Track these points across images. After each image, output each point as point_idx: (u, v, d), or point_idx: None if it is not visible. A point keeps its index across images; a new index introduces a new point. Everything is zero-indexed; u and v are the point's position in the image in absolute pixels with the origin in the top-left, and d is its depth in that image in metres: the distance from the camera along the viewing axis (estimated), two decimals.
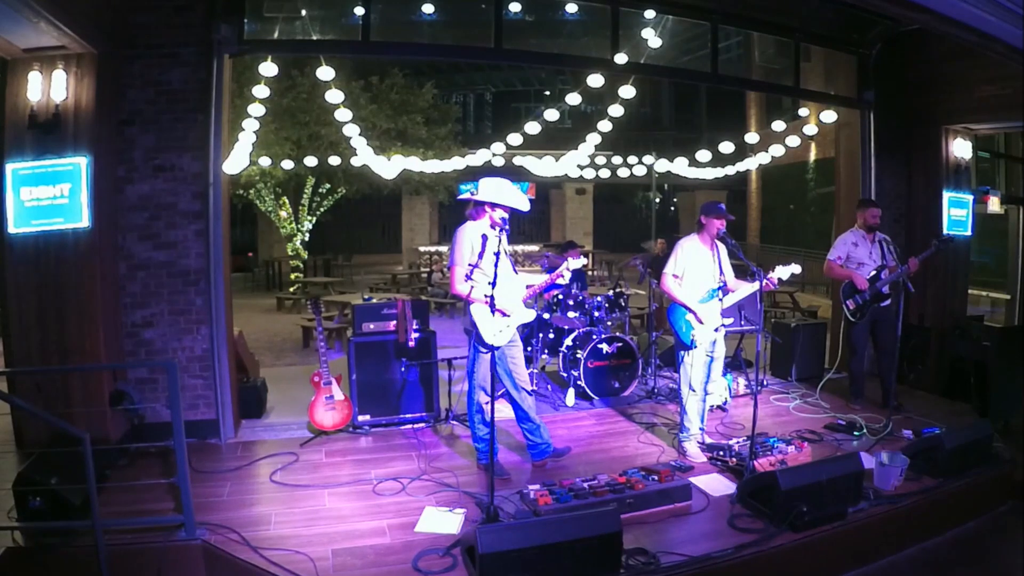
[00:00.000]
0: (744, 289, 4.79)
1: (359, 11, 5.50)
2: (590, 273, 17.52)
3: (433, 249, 20.21)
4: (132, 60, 4.98)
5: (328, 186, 14.94)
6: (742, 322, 5.66)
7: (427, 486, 4.32)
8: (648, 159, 12.53)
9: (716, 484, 4.30)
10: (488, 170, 7.61)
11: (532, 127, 7.72)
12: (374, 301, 5.80)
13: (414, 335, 5.42)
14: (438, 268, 16.60)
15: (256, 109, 6.37)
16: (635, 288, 10.10)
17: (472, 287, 4.34)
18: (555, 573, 3.12)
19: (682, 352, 4.84)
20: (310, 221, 15.07)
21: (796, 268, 4.69)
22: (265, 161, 11.93)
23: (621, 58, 6.13)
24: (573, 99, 7.42)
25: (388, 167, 10.12)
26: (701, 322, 4.69)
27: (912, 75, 7.02)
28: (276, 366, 8.10)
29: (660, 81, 20.37)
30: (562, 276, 4.57)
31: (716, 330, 4.79)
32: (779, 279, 4.63)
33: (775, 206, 19.72)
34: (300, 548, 3.46)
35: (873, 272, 5.75)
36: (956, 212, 6.95)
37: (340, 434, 5.29)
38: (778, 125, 8.75)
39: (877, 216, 5.86)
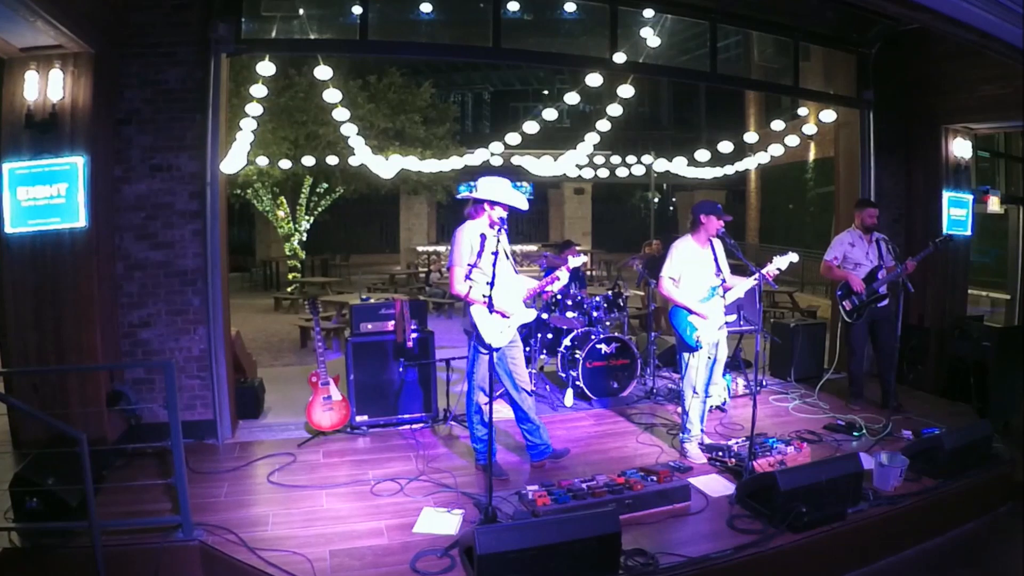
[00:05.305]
0: (744, 284, 4.75)
1: (357, 10, 5.48)
2: (589, 273, 17.51)
3: (431, 249, 20.19)
4: (129, 59, 4.96)
5: (326, 186, 14.92)
6: (741, 322, 5.64)
7: (425, 487, 4.30)
8: (647, 159, 12.54)
9: (715, 485, 4.29)
10: (487, 170, 7.60)
11: (531, 127, 7.72)
12: (372, 301, 5.79)
13: (412, 335, 5.41)
14: (436, 268, 16.59)
15: (254, 108, 6.34)
16: (633, 288, 10.09)
17: (471, 287, 4.32)
18: (553, 574, 3.11)
19: (684, 354, 4.82)
20: (308, 221, 15.05)
21: (793, 257, 4.65)
22: (263, 160, 11.92)
23: (620, 57, 6.12)
24: (572, 98, 7.42)
25: (386, 167, 10.12)
26: (705, 317, 4.66)
27: (912, 74, 7.01)
28: (274, 366, 8.08)
29: (659, 80, 20.37)
30: (558, 279, 4.54)
31: (719, 328, 4.77)
32: (778, 269, 4.60)
33: (774, 206, 19.71)
34: (298, 549, 3.45)
35: (869, 273, 5.75)
36: (956, 212, 6.94)
37: (338, 434, 5.27)
38: (777, 124, 8.74)
39: (874, 216, 5.85)
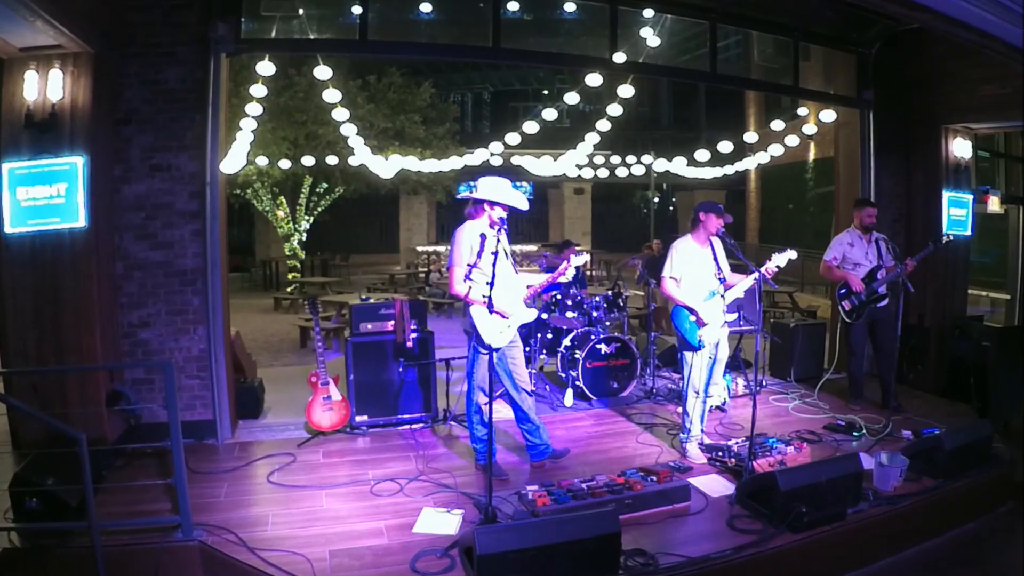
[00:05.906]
0: (744, 282, 4.73)
1: (357, 10, 5.48)
2: (589, 273, 17.50)
3: (431, 249, 20.19)
4: (129, 59, 4.96)
5: (325, 186, 14.92)
6: (741, 322, 5.65)
7: (425, 487, 4.30)
8: (647, 159, 12.55)
9: (715, 485, 4.29)
10: (486, 170, 7.62)
11: (530, 126, 7.72)
12: (372, 301, 5.78)
13: (412, 335, 5.41)
14: (436, 268, 16.58)
15: (253, 108, 6.34)
16: (633, 288, 10.09)
17: (471, 287, 4.32)
18: (553, 574, 3.11)
19: (686, 353, 4.82)
20: (307, 221, 15.05)
21: (792, 253, 4.63)
22: (262, 160, 11.91)
23: (620, 57, 6.11)
24: (571, 98, 7.43)
25: (386, 167, 10.13)
26: (705, 323, 4.66)
27: (912, 74, 7.01)
28: (273, 366, 8.08)
29: (659, 80, 20.37)
30: (563, 275, 4.54)
31: (721, 327, 4.77)
32: (777, 266, 4.59)
33: (774, 206, 19.70)
34: (297, 549, 3.45)
35: (869, 273, 5.74)
36: (956, 212, 6.93)
37: (338, 435, 5.27)
38: (777, 124, 8.74)
39: (873, 216, 5.84)
